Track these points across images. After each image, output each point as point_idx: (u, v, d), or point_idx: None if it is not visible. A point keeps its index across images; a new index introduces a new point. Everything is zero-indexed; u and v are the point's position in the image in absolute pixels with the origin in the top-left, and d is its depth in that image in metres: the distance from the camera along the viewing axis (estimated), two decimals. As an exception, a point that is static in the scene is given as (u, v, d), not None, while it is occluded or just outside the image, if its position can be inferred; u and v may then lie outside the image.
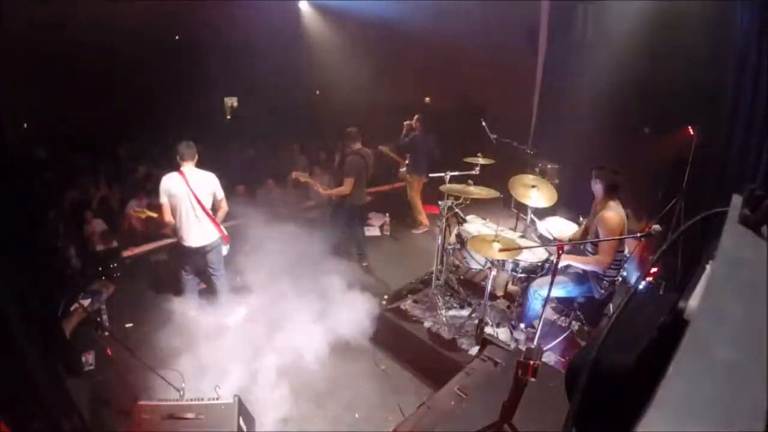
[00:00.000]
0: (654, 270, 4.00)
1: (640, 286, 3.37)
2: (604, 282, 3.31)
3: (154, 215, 4.00)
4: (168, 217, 3.81)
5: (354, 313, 4.27)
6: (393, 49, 8.61)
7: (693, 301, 0.57)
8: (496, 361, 2.48)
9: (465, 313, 3.84)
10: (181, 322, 3.72)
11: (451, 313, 3.87)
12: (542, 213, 4.15)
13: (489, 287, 3.56)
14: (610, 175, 3.12)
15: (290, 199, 6.23)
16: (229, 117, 11.93)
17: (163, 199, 3.77)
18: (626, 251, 3.51)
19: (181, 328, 3.67)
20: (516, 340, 3.51)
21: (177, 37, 9.25)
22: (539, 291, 3.36)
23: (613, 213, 3.12)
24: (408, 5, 7.23)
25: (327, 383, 3.53)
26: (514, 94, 7.03)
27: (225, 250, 4.15)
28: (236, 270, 4.54)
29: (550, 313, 3.72)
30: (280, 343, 3.75)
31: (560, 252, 2.89)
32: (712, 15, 4.09)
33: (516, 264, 3.51)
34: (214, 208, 3.94)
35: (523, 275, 3.59)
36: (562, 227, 3.98)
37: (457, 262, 4.37)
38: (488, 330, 3.51)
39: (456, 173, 4.02)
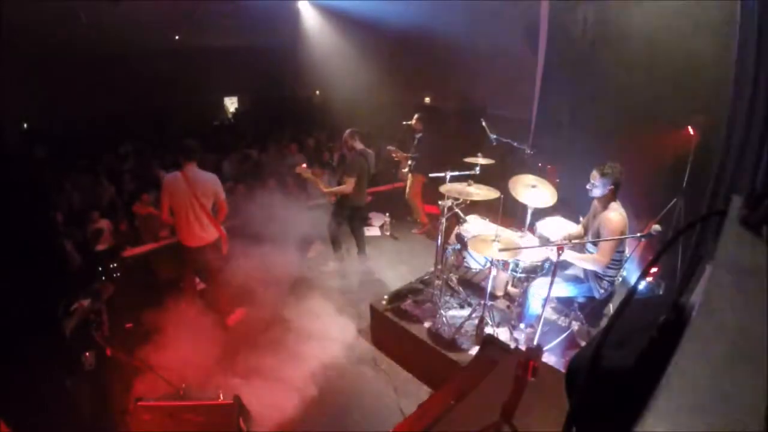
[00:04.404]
0: (654, 270, 4.00)
1: (640, 286, 3.38)
2: (604, 282, 3.32)
3: (155, 212, 4.00)
4: (167, 215, 3.82)
5: (354, 313, 4.28)
6: (393, 49, 8.61)
7: (693, 301, 0.57)
8: (496, 361, 2.48)
9: (465, 313, 3.84)
10: (181, 322, 3.72)
11: (451, 313, 3.87)
12: (542, 213, 4.15)
13: (489, 287, 3.56)
14: (616, 174, 3.11)
15: (290, 199, 6.23)
16: (229, 117, 11.94)
17: (165, 198, 3.78)
18: (626, 251, 3.51)
19: (181, 328, 3.67)
20: (516, 340, 3.51)
21: (177, 37, 9.25)
22: (539, 291, 3.36)
23: (616, 213, 3.12)
24: (408, 5, 7.23)
25: (327, 383, 3.52)
26: (514, 94, 7.03)
27: (224, 249, 4.15)
28: (236, 270, 4.55)
29: (550, 313, 3.72)
30: (280, 343, 3.75)
31: (560, 252, 2.89)
32: (712, 14, 4.08)
33: (516, 264, 3.51)
34: (215, 209, 3.95)
35: (523, 275, 3.59)
36: (562, 227, 3.98)
37: (457, 262, 4.37)
38: (488, 330, 3.51)
39: (456, 173, 4.02)
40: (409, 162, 6.02)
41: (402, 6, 7.31)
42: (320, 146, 8.56)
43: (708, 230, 3.30)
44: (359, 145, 4.78)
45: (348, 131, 4.81)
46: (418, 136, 5.86)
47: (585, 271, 3.36)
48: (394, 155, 6.05)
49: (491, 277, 3.59)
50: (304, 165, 4.93)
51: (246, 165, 7.84)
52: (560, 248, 2.91)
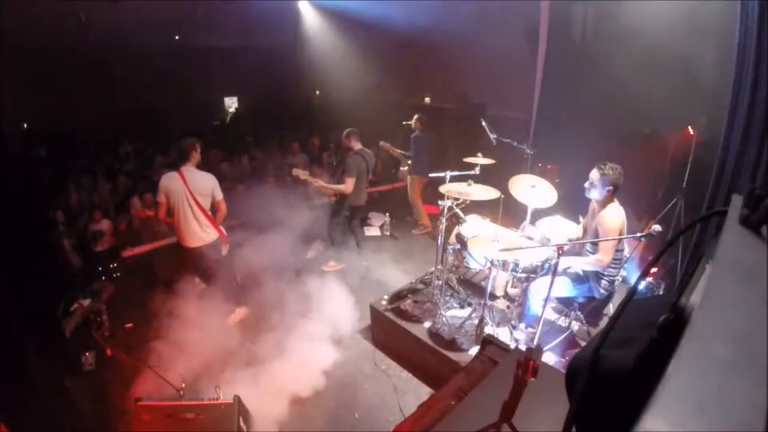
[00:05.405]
0: (654, 270, 4.00)
1: (640, 286, 3.38)
2: (604, 281, 3.31)
3: (152, 213, 4.01)
4: (164, 215, 3.82)
5: (354, 313, 4.28)
6: (393, 49, 8.61)
7: (693, 301, 0.57)
8: (496, 361, 2.48)
9: (465, 313, 3.84)
10: (181, 322, 3.72)
11: (451, 313, 3.87)
12: (542, 213, 4.15)
13: (489, 287, 3.56)
14: (616, 176, 3.11)
15: (290, 199, 6.24)
16: (229, 117, 11.93)
17: (161, 198, 3.77)
18: (626, 251, 3.51)
19: (181, 328, 3.67)
20: (516, 340, 3.51)
21: (177, 37, 9.24)
22: (539, 291, 3.36)
23: (614, 212, 3.12)
24: (408, 5, 7.23)
25: (327, 383, 3.53)
26: (514, 94, 7.03)
27: (224, 249, 4.15)
28: (236, 270, 4.55)
29: (550, 313, 3.72)
30: (280, 343, 3.75)
31: (560, 252, 2.89)
32: (712, 15, 4.09)
33: (516, 264, 3.51)
34: (213, 208, 3.95)
35: (523, 275, 3.59)
36: (562, 227, 3.97)
37: (457, 262, 4.37)
38: (488, 330, 3.51)
39: (456, 173, 4.02)
40: (409, 162, 6.03)
41: (402, 6, 7.31)
42: (321, 146, 8.56)
43: (708, 230, 3.30)
44: (357, 145, 4.78)
45: (345, 131, 4.81)
46: (413, 135, 5.86)
47: (585, 270, 3.36)
48: (389, 151, 6.04)
49: (491, 277, 3.59)
50: (300, 167, 4.95)
51: (245, 166, 7.84)
52: (560, 248, 2.91)
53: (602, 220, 3.13)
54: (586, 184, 3.22)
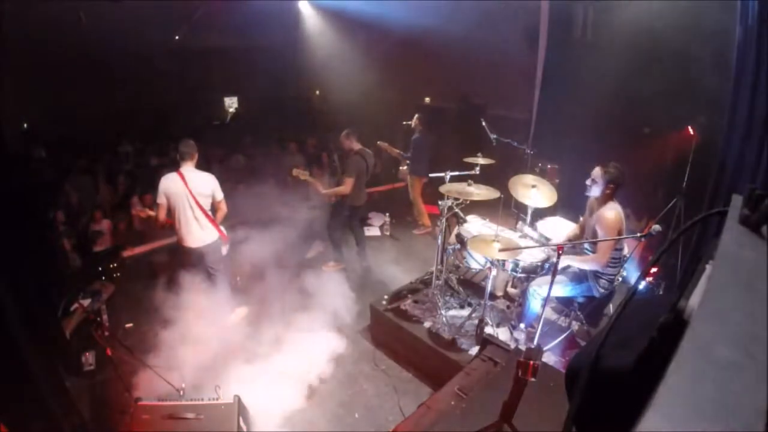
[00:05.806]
0: (654, 270, 4.00)
1: (640, 287, 3.38)
2: (603, 281, 3.32)
3: (153, 214, 4.02)
4: (164, 216, 3.82)
5: (354, 313, 4.28)
6: (393, 49, 8.60)
7: (693, 301, 0.57)
8: (496, 361, 2.48)
9: (465, 313, 3.84)
10: (181, 322, 3.72)
11: (451, 313, 3.87)
12: (542, 213, 4.15)
13: (489, 287, 3.56)
14: (617, 174, 3.11)
15: (290, 199, 6.24)
16: (228, 117, 11.93)
17: (161, 199, 3.77)
18: (625, 250, 3.51)
19: (181, 328, 3.67)
20: (516, 340, 3.51)
21: (177, 37, 9.24)
22: (539, 291, 3.37)
23: (612, 211, 3.13)
24: (408, 5, 7.23)
25: (327, 383, 3.53)
26: (514, 94, 7.03)
27: (224, 250, 4.15)
28: (236, 270, 4.55)
29: (550, 313, 3.72)
30: (280, 343, 3.75)
31: (560, 252, 2.89)
32: (712, 14, 4.08)
33: (516, 264, 3.51)
34: (214, 208, 3.95)
35: (523, 275, 3.59)
36: (562, 227, 3.98)
37: (457, 262, 4.37)
38: (488, 330, 3.51)
39: (456, 173, 4.02)
40: (408, 162, 6.02)
41: (402, 6, 7.31)
42: (320, 147, 8.56)
43: (708, 230, 3.31)
44: (357, 145, 4.78)
45: (344, 132, 4.81)
46: (414, 137, 5.86)
47: (584, 270, 3.36)
48: (387, 151, 6.04)
49: (491, 277, 3.59)
50: (300, 167, 4.95)
51: (241, 166, 7.84)
52: (560, 248, 2.91)
53: (600, 219, 3.13)
54: (588, 182, 3.23)
